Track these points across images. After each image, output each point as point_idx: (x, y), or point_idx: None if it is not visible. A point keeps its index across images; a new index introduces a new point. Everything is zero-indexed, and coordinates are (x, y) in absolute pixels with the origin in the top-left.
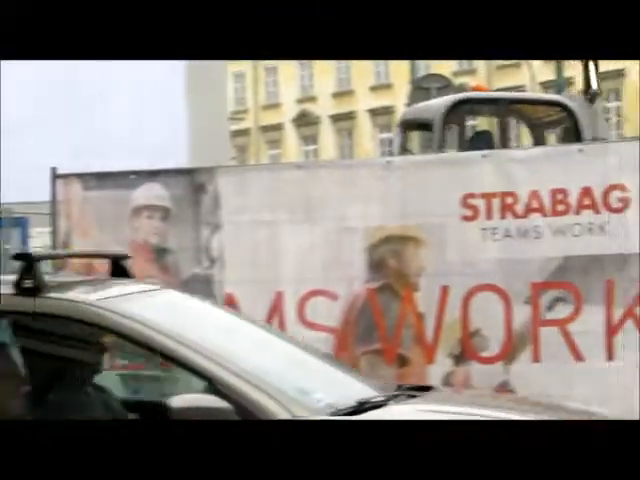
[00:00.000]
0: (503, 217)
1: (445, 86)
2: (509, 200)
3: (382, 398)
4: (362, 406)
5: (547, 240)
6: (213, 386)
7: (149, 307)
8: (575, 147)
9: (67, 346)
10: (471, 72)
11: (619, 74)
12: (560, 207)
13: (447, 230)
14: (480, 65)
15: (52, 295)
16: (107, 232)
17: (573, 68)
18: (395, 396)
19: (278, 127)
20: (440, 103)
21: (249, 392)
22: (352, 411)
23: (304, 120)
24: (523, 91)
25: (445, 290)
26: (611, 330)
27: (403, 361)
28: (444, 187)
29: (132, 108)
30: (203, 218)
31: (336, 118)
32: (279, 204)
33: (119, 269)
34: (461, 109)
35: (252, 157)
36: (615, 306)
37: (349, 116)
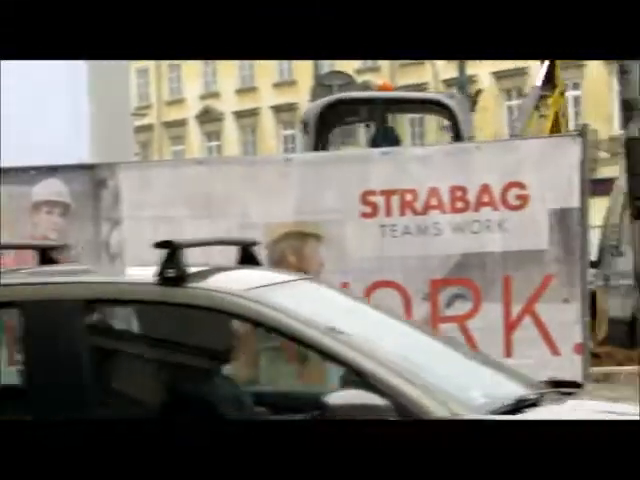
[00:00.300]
0: (402, 214)
1: (347, 83)
2: (408, 197)
3: (536, 396)
4: (520, 404)
5: (446, 237)
6: (368, 383)
7: (294, 298)
8: (473, 144)
9: (208, 337)
10: (375, 70)
11: (522, 72)
12: (459, 204)
13: (347, 227)
14: (384, 63)
15: (196, 285)
16: (6, 228)
17: (476, 66)
18: (548, 393)
19: (181, 123)
20: (316, 104)
21: (406, 389)
22: (510, 410)
23: (207, 116)
24: (425, 89)
25: (345, 287)
26: (509, 326)
27: (303, 358)
28: (344, 184)
29: (34, 106)
30: (103, 214)
31: (239, 115)
32: (180, 200)
33: (248, 256)
34: (336, 110)
35: (155, 153)
36: (513, 303)
37: (252, 113)
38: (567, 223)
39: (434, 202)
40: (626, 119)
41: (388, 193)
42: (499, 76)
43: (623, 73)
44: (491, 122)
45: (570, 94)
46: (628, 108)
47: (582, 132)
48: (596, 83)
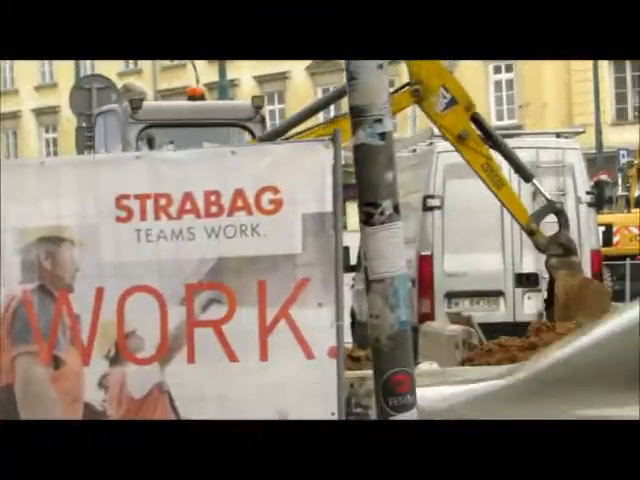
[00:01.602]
0: (157, 218)
1: (106, 87)
2: (163, 202)
3: None
4: None
5: (201, 242)
6: None
7: None
8: (228, 149)
9: None
10: (137, 72)
11: (282, 77)
12: (213, 209)
13: (101, 231)
14: (146, 66)
15: None
16: None
17: (237, 70)
18: None
19: None
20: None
21: None
22: None
23: None
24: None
25: (100, 292)
26: (264, 330)
27: (58, 363)
28: (98, 188)
29: None
30: None
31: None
32: None
33: None
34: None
35: None
36: (268, 307)
37: (14, 115)
38: (320, 227)
39: (188, 207)
40: (354, 125)
41: (142, 197)
42: (260, 80)
43: (351, 79)
44: None
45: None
46: (356, 114)
47: (334, 137)
48: None
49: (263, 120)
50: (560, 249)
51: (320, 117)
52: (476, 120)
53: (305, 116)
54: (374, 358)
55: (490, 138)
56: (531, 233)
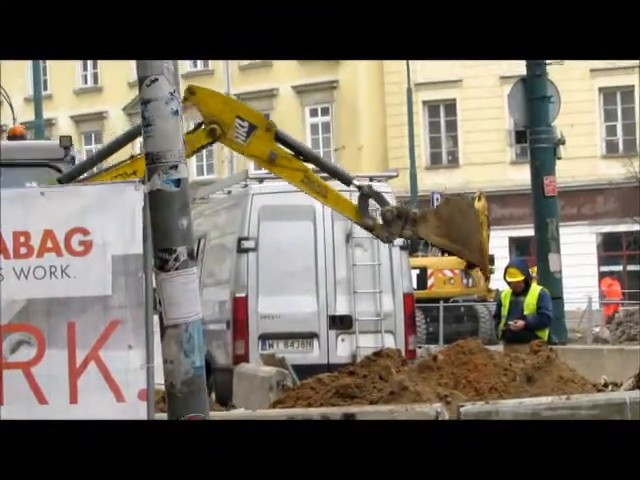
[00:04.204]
0: None
1: None
2: None
3: None
4: None
5: (10, 282)
6: None
7: None
8: (37, 190)
9: None
10: None
11: (100, 117)
12: (23, 250)
13: None
14: None
15: None
16: None
17: (54, 110)
18: None
19: None
20: None
21: None
22: None
23: None
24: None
25: None
26: (74, 373)
27: None
28: None
29: None
30: None
31: None
32: None
33: None
34: None
35: None
36: (78, 349)
37: None
38: (130, 269)
39: None
40: (149, 171)
41: None
42: (77, 120)
43: (147, 126)
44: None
45: None
46: (152, 161)
47: (144, 180)
48: None
49: (73, 160)
50: (399, 220)
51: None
52: (280, 138)
53: (104, 154)
54: (169, 403)
55: (298, 151)
56: (371, 228)
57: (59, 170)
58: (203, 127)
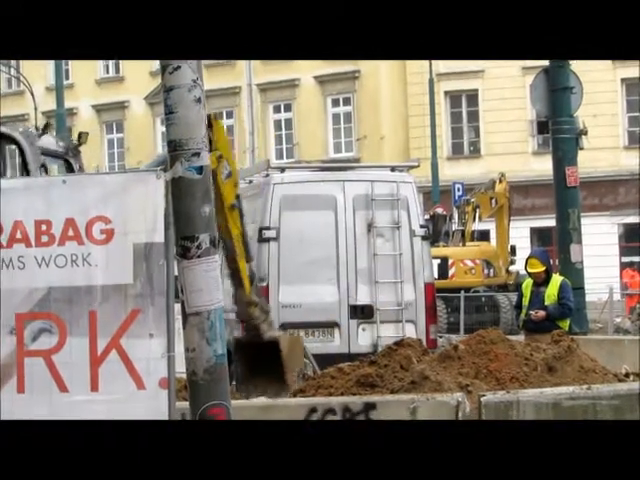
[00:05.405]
0: None
1: None
2: None
3: None
4: None
5: (31, 271)
6: None
7: None
8: (59, 179)
9: None
10: None
11: (122, 106)
12: (44, 238)
13: None
14: None
15: None
16: None
17: (76, 100)
18: None
19: None
20: None
21: None
22: None
23: None
24: (27, 120)
25: None
26: (95, 361)
27: None
28: None
29: None
30: None
31: None
32: None
33: None
34: None
35: None
36: (99, 337)
37: None
38: (151, 258)
39: (19, 235)
40: (171, 159)
41: None
42: (98, 109)
43: (169, 113)
44: (93, 156)
45: None
46: (174, 148)
47: (165, 168)
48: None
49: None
50: (262, 314)
51: (159, 144)
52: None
53: None
54: (190, 391)
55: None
56: (250, 304)
57: (69, 164)
58: (213, 152)
